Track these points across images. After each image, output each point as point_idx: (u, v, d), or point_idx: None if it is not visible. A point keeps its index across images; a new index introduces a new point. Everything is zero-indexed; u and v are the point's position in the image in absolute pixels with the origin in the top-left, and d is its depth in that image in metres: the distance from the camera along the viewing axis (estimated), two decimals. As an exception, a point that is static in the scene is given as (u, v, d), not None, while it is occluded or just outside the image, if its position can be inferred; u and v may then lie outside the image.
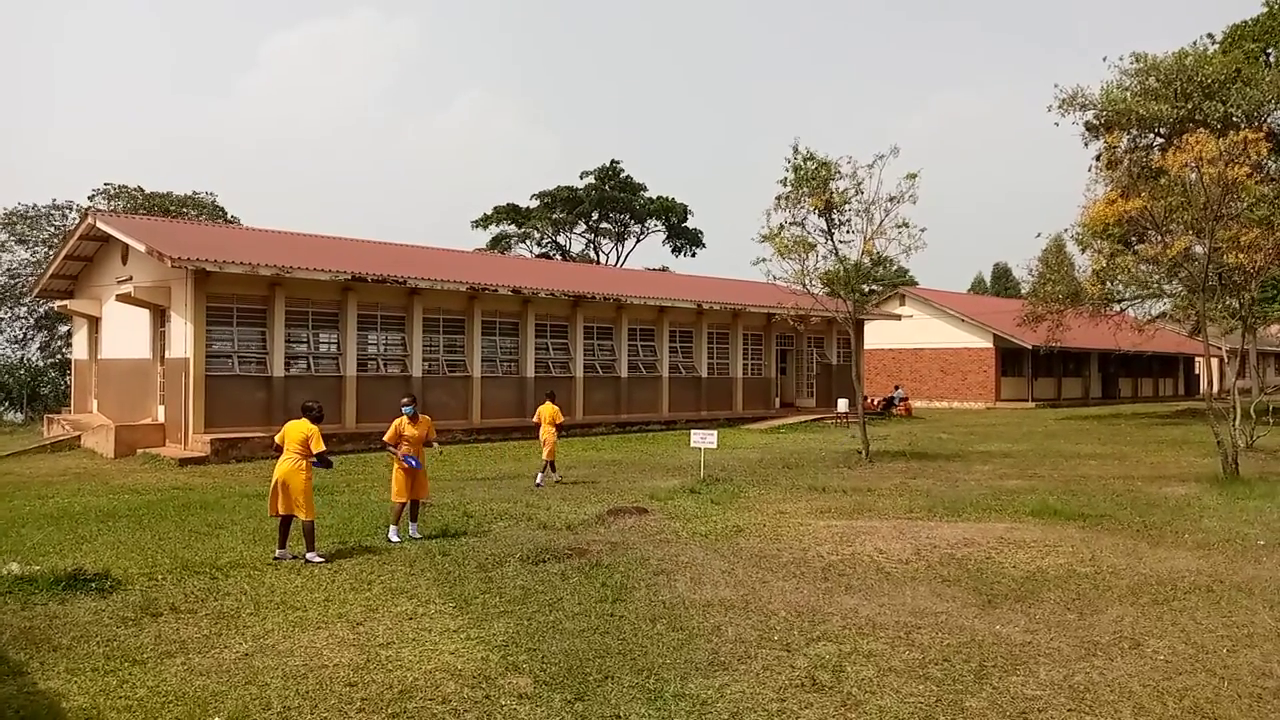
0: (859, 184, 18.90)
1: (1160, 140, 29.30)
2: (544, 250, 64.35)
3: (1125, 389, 54.42)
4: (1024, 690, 5.84)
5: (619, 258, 66.31)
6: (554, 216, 63.25)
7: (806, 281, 19.67)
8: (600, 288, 29.34)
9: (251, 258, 21.51)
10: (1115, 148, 26.95)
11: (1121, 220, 17.63)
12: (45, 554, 9.93)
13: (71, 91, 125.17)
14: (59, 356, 38.77)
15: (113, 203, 40.95)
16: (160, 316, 22.32)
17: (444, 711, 5.50)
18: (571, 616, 7.44)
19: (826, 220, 19.32)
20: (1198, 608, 7.70)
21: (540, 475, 15.93)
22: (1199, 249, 17.21)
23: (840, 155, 21.21)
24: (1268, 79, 28.00)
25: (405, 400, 11.37)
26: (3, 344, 39.38)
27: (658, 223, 65.72)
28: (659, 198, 64.44)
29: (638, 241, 67.19)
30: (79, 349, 28.26)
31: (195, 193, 43.88)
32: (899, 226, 18.99)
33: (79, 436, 23.15)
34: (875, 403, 36.89)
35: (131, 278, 22.76)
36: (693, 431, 16.53)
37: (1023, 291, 44.89)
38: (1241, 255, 16.66)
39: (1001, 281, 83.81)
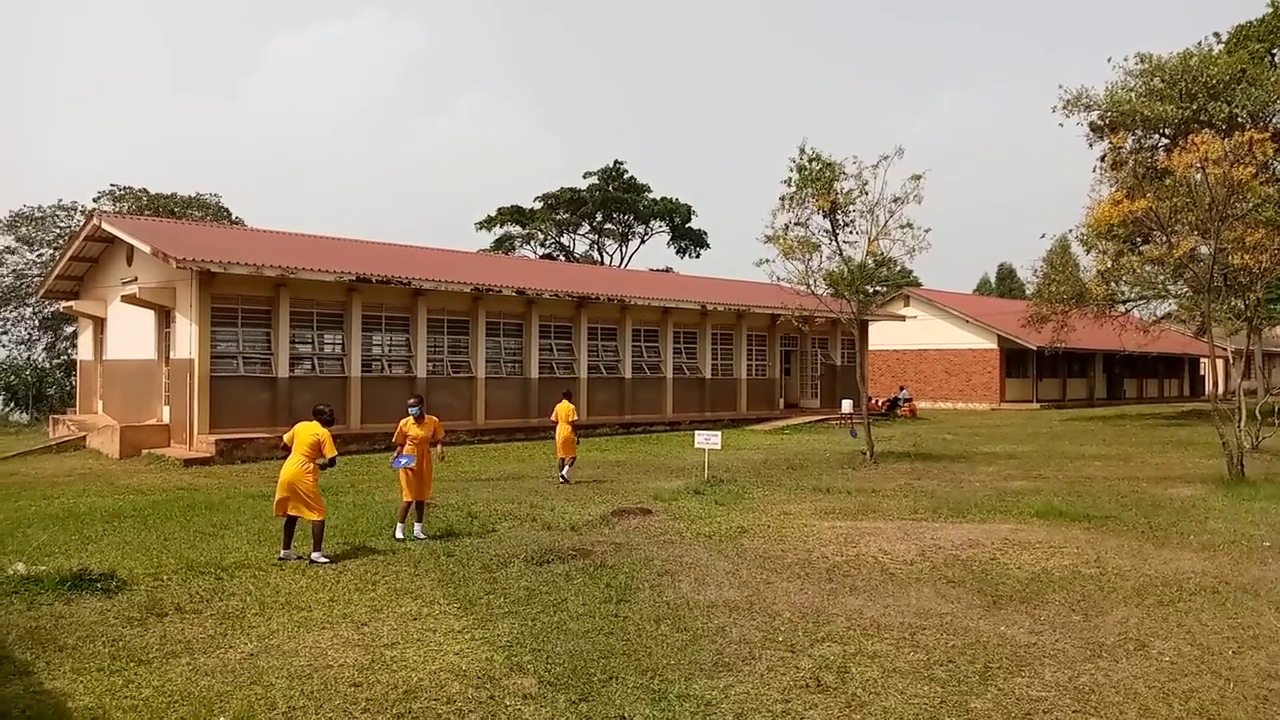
0: (864, 185, 18.89)
1: (1165, 141, 29.23)
2: (548, 251, 64.39)
3: (1130, 390, 54.29)
4: (1029, 691, 5.83)
5: (623, 259, 66.36)
6: (558, 217, 63.31)
7: (811, 282, 19.65)
8: (605, 289, 29.35)
9: (256, 259, 21.55)
10: (1120, 148, 26.85)
11: (1126, 221, 17.58)
12: (51, 554, 9.95)
13: (76, 93, 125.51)
14: (64, 357, 38.88)
15: (118, 204, 41.05)
16: (165, 317, 22.38)
17: (449, 712, 5.51)
18: (576, 617, 7.44)
19: (831, 221, 19.30)
20: (1203, 609, 7.68)
21: (565, 470, 16.13)
22: (1204, 250, 17.18)
23: (845, 156, 21.13)
24: (1273, 79, 27.91)
25: (412, 401, 11.42)
26: (9, 345, 39.52)
27: (662, 224, 65.73)
28: (663, 198, 64.44)
29: (642, 242, 67.27)
30: (84, 350, 28.33)
31: (200, 194, 44.01)
32: (903, 227, 18.97)
33: (84, 437, 23.21)
34: (880, 404, 36.86)
35: (136, 279, 22.81)
36: (697, 432, 16.53)
37: (1027, 292, 44.83)
38: (1247, 256, 16.61)
39: (1006, 282, 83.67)
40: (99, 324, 26.60)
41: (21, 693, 5.83)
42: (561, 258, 63.15)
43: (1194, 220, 16.72)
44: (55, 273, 27.06)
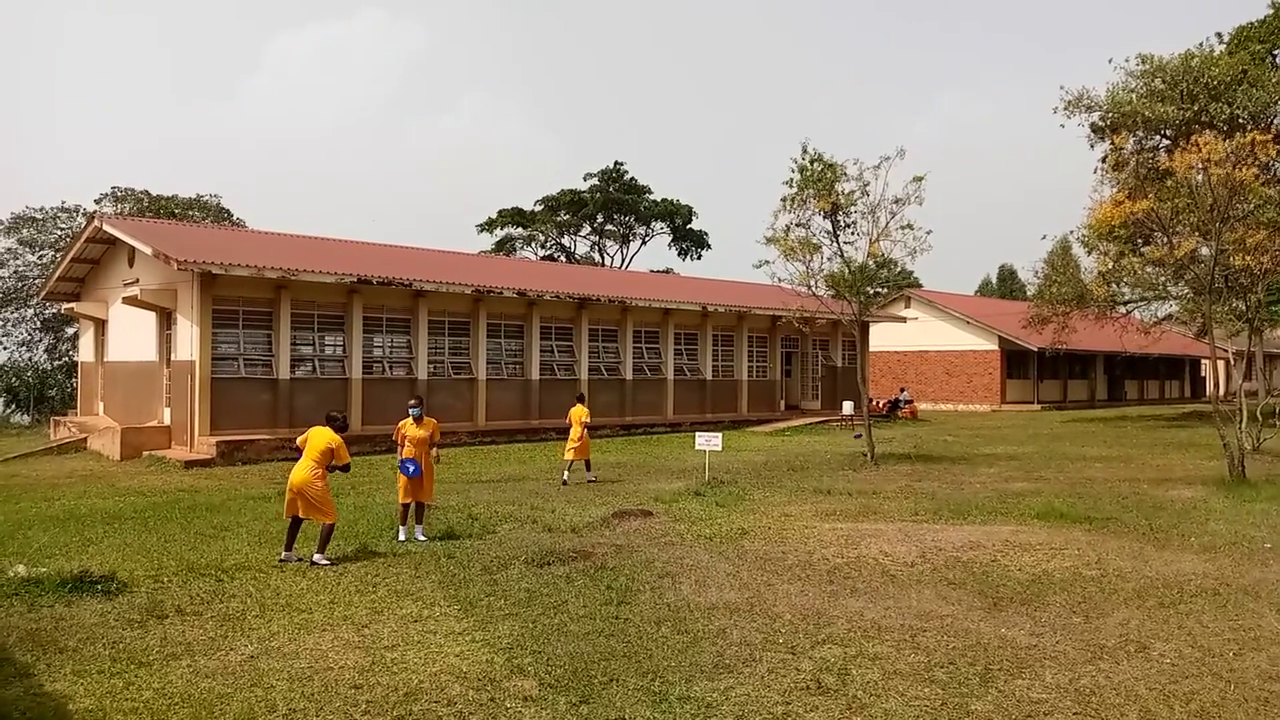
0: (865, 186, 18.90)
1: (1166, 142, 29.22)
2: (549, 253, 64.38)
3: (1131, 391, 54.24)
4: (1029, 693, 5.82)
5: (624, 260, 66.35)
6: (558, 219, 63.32)
7: (812, 283, 19.65)
8: (605, 290, 29.36)
9: (257, 260, 21.57)
10: (1121, 149, 26.87)
11: (1128, 222, 17.59)
12: (51, 556, 9.96)
13: (76, 94, 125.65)
14: (65, 359, 38.88)
15: (119, 205, 41.06)
16: (166, 319, 22.39)
17: (449, 714, 5.51)
18: (576, 619, 7.44)
19: (832, 222, 19.31)
20: (1204, 611, 7.67)
21: (589, 474, 16.47)
22: (1205, 251, 17.17)
23: (846, 157, 21.14)
24: (1274, 80, 27.92)
25: (412, 402, 11.44)
26: (10, 347, 39.53)
27: (663, 225, 65.71)
28: (664, 200, 64.43)
29: (643, 244, 67.22)
30: (85, 351, 28.34)
31: (200, 195, 43.99)
32: (904, 228, 18.98)
33: (85, 439, 23.22)
34: (880, 405, 36.84)
35: (138, 280, 22.83)
36: (697, 434, 16.53)
37: (1028, 294, 44.84)
38: (1248, 257, 16.61)
39: (1007, 283, 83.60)
40: (100, 326, 26.62)
41: (22, 695, 5.83)
42: (562, 259, 63.14)
43: (1195, 221, 16.71)
44: (56, 274, 27.07)
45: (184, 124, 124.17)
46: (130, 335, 24.06)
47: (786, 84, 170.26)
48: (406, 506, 10.86)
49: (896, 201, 18.80)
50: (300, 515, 9.66)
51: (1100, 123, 30.41)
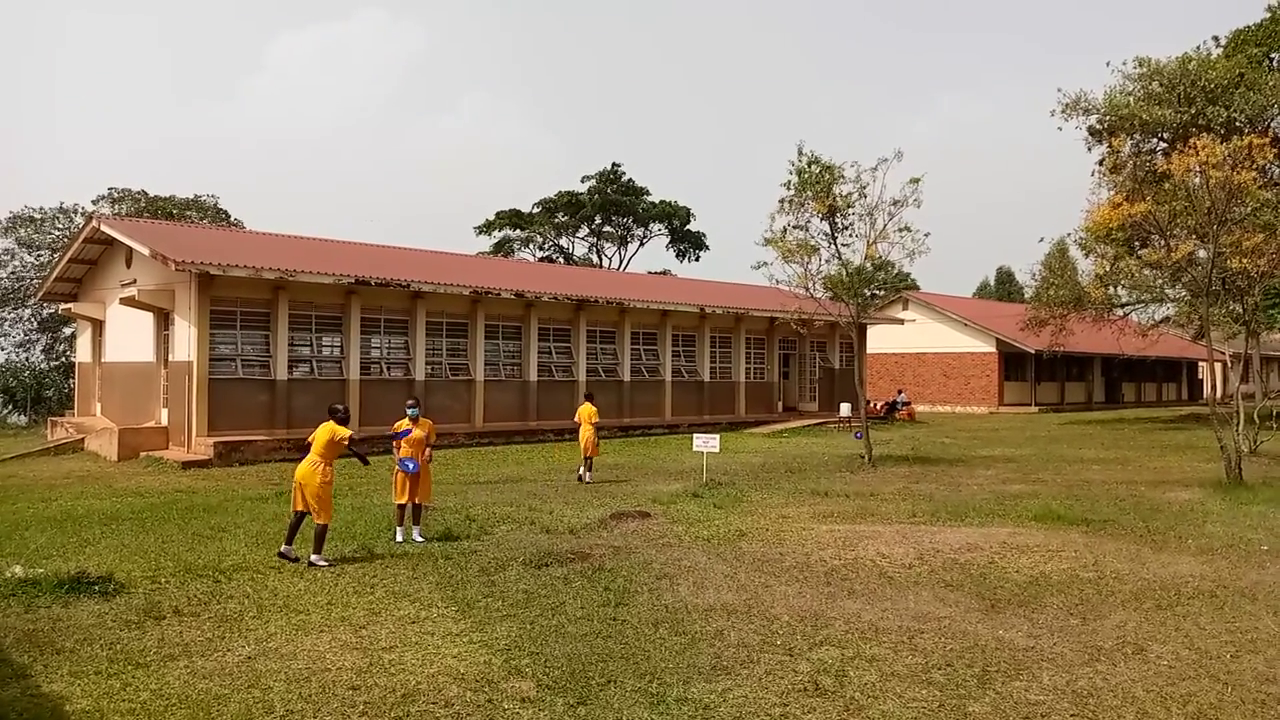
0: (863, 188, 18.92)
1: (1164, 145, 29.27)
2: (547, 254, 64.39)
3: (1129, 394, 54.32)
4: (1027, 695, 5.83)
5: (622, 261, 66.37)
6: (556, 220, 63.32)
7: (809, 285, 19.66)
8: (603, 291, 29.37)
9: (255, 261, 21.56)
10: (1119, 152, 26.91)
11: (1125, 224, 17.61)
12: (49, 557, 9.94)
13: (76, 94, 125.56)
14: (63, 359, 38.86)
15: (117, 206, 41.05)
16: (164, 320, 22.37)
17: (446, 715, 5.51)
18: (574, 620, 7.44)
19: (830, 224, 19.32)
20: (1201, 613, 7.68)
21: (586, 473, 16.62)
22: (1203, 254, 17.18)
23: (844, 159, 21.16)
24: (1271, 83, 27.96)
25: (410, 402, 11.48)
26: (7, 347, 39.51)
27: (660, 226, 65.72)
28: (662, 201, 64.44)
29: (641, 245, 67.24)
30: (83, 352, 28.30)
31: (198, 195, 44.01)
32: (902, 231, 19.00)
33: (82, 439, 23.19)
34: (878, 407, 36.85)
35: (135, 281, 22.81)
36: (695, 435, 16.54)
37: (1026, 296, 44.85)
38: (1245, 260, 16.63)
39: (1005, 285, 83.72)
40: (98, 326, 26.59)
41: (19, 695, 5.82)
42: (560, 260, 63.16)
43: (1193, 224, 16.73)
44: (54, 275, 27.04)
45: (184, 124, 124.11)
46: (128, 336, 24.03)
47: (786, 85, 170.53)
48: (403, 507, 10.86)
49: (894, 203, 18.83)
50: (301, 510, 9.72)
51: (1098, 125, 30.46)
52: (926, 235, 19.04)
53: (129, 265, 23.94)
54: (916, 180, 18.72)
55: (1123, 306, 33.55)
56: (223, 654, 6.64)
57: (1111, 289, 29.46)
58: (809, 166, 19.04)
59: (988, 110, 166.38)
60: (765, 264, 19.76)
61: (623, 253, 66.75)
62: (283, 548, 9.71)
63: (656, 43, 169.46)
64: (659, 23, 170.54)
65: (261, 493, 15.32)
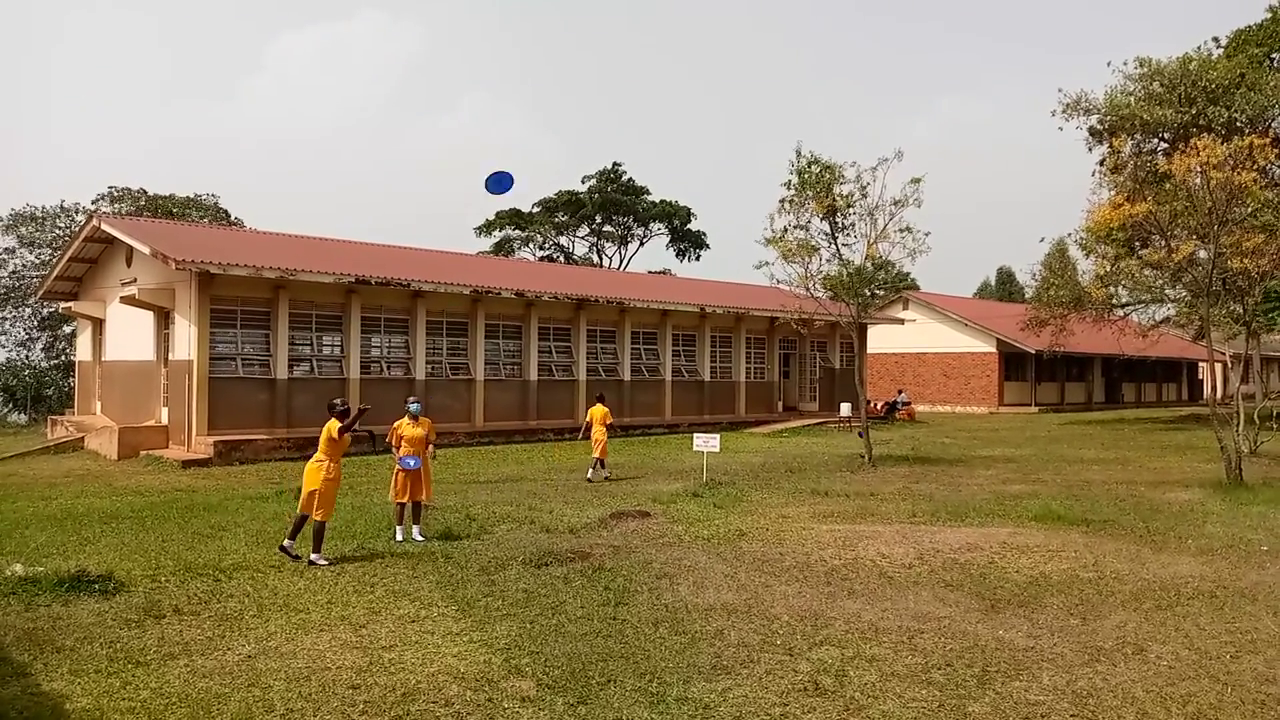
0: (863, 188, 18.91)
1: (1164, 145, 29.26)
2: (547, 253, 64.38)
3: (1129, 394, 54.30)
4: (1027, 695, 5.83)
5: (622, 261, 66.35)
6: (557, 220, 63.31)
7: (810, 285, 19.65)
8: (603, 291, 29.36)
9: (255, 260, 21.56)
10: (1119, 152, 26.89)
11: (1126, 225, 17.60)
12: (49, 555, 9.94)
13: (76, 94, 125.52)
14: (63, 358, 38.85)
15: (117, 205, 41.03)
16: (164, 318, 22.37)
17: (446, 714, 5.51)
18: (574, 620, 7.44)
19: (830, 224, 19.32)
20: (1201, 613, 7.68)
21: (590, 471, 16.92)
22: (1203, 254, 17.18)
23: (845, 159, 21.16)
24: (1272, 84, 27.94)
25: (411, 400, 11.49)
26: (8, 346, 39.50)
27: (661, 226, 65.71)
28: (662, 201, 64.43)
29: (641, 245, 67.23)
30: (83, 351, 28.31)
31: (198, 194, 44.01)
32: (902, 230, 18.99)
33: (83, 438, 23.19)
34: (878, 407, 36.85)
35: (136, 280, 22.81)
36: (695, 435, 16.55)
37: (1027, 296, 44.85)
38: (1245, 260, 16.63)
39: (1006, 286, 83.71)
40: (98, 325, 26.59)
41: (19, 694, 5.82)
42: (561, 260, 63.14)
43: (1193, 225, 16.73)
44: (54, 273, 27.05)
45: (184, 124, 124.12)
46: (128, 334, 24.03)
47: (786, 85, 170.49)
48: (403, 506, 10.86)
49: (895, 203, 18.82)
50: (306, 512, 9.76)
51: (1098, 126, 30.44)
52: (927, 235, 19.06)
53: (129, 264, 23.94)
54: (918, 180, 18.73)
55: (1123, 307, 33.54)
56: (223, 653, 6.64)
57: (1112, 289, 29.46)
58: (809, 166, 19.05)
59: (988, 111, 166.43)
60: (766, 264, 19.78)
61: (623, 252, 66.80)
62: (285, 541, 9.75)
63: (657, 42, 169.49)
64: (659, 22, 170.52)
65: (261, 492, 15.32)
